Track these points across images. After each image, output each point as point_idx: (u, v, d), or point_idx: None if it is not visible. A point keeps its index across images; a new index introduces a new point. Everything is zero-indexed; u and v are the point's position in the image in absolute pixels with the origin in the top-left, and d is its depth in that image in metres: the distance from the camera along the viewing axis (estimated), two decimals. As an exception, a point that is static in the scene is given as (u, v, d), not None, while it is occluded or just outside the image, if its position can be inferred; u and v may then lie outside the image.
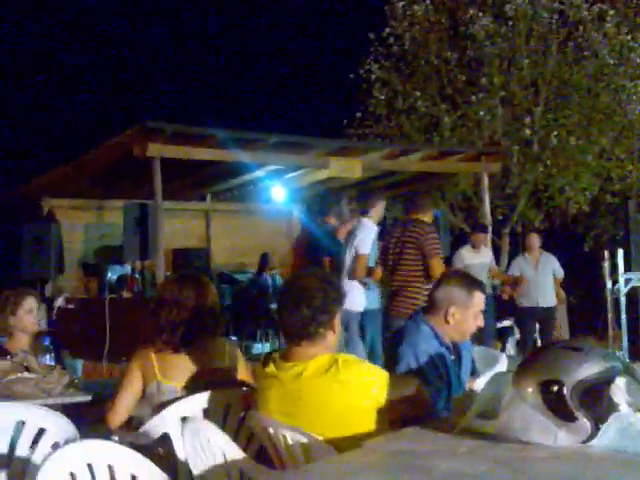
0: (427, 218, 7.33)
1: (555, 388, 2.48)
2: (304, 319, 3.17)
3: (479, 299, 3.89)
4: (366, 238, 7.68)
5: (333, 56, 21.25)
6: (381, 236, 7.88)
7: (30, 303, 5.10)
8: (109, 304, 8.89)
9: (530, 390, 2.52)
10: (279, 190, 12.51)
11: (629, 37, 15.83)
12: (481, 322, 3.93)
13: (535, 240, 10.65)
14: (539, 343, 10.77)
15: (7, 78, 21.93)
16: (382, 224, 8.47)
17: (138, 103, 21.85)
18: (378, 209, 7.99)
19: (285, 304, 3.25)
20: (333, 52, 23.00)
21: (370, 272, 7.68)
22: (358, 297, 7.66)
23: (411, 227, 7.15)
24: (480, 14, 16.10)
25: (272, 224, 14.13)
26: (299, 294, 3.22)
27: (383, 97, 17.14)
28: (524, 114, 16.20)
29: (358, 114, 17.28)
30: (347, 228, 8.12)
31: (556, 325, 12.42)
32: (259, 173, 11.48)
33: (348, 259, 7.74)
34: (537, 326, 10.63)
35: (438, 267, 6.92)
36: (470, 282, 3.93)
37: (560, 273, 10.62)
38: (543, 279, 10.39)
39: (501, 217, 16.34)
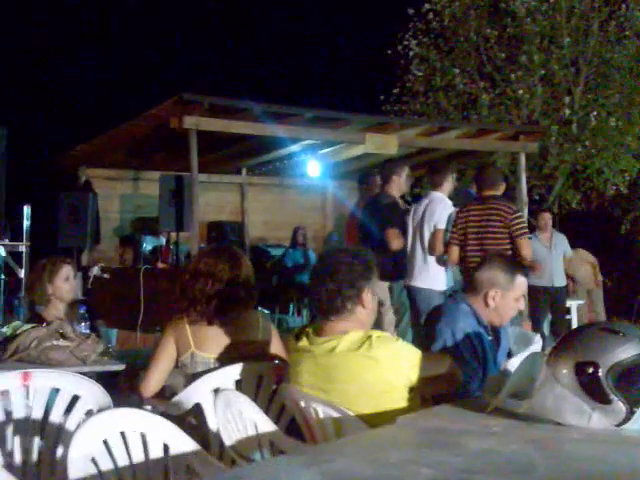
0: (500, 193, 7.19)
1: (590, 370, 2.46)
2: (330, 293, 3.19)
3: (521, 284, 3.88)
4: (444, 213, 7.44)
5: (371, 31, 21.09)
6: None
7: (67, 271, 5.15)
8: (144, 274, 8.96)
9: (565, 371, 2.51)
10: (314, 165, 12.50)
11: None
12: (522, 306, 3.92)
13: (548, 220, 10.80)
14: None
15: (45, 47, 22.02)
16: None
17: (176, 75, 21.90)
18: (449, 182, 7.70)
19: (314, 278, 3.30)
20: (372, 27, 22.87)
21: (446, 250, 7.42)
22: (440, 275, 7.46)
23: (497, 205, 6.99)
24: (521, -10, 15.91)
25: (306, 199, 14.14)
26: (326, 268, 3.26)
27: (421, 73, 17.03)
28: (563, 93, 16.02)
29: (395, 90, 17.19)
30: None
31: (592, 308, 12.41)
32: (294, 148, 11.48)
33: (426, 235, 7.47)
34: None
35: (526, 247, 6.82)
36: (513, 265, 3.93)
37: (569, 252, 10.80)
38: (556, 258, 10.52)
39: (538, 197, 16.21)
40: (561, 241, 10.79)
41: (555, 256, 10.54)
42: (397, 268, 7.54)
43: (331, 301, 3.19)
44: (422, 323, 7.00)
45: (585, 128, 15.75)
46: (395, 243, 7.61)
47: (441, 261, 7.46)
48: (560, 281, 10.56)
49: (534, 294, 10.52)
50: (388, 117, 14.28)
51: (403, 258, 7.60)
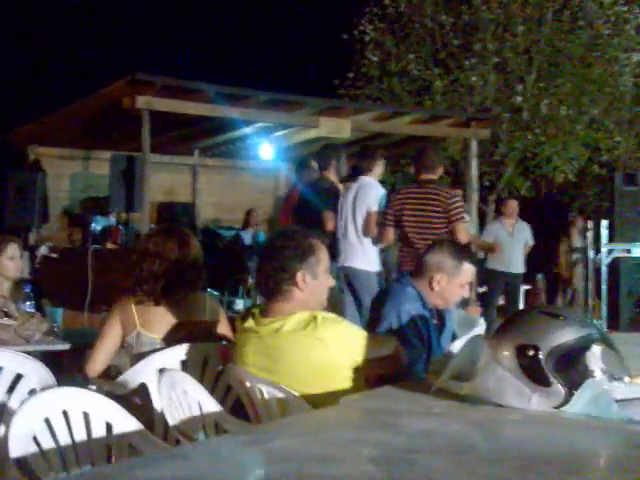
0: (437, 177, 7.21)
1: (531, 353, 2.48)
2: (265, 275, 3.24)
3: (467, 270, 3.90)
4: (376, 196, 7.46)
5: (327, 15, 21.06)
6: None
7: (12, 250, 5.09)
8: (92, 254, 8.87)
9: (506, 353, 2.53)
10: (267, 148, 12.47)
11: (625, 8, 15.76)
12: (466, 293, 3.95)
13: (514, 206, 11.03)
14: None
15: (-2, 23, 21.64)
16: None
17: (128, 54, 21.66)
18: (380, 167, 7.74)
19: (258, 261, 3.36)
20: (327, 11, 22.80)
21: (380, 233, 7.42)
22: (374, 256, 7.49)
23: (434, 189, 6.95)
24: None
25: (259, 181, 14.11)
26: (264, 251, 3.34)
27: (376, 59, 17.06)
28: (516, 81, 16.16)
29: (350, 75, 17.20)
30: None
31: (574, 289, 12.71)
32: (248, 130, 11.43)
33: (359, 218, 7.49)
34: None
35: (462, 232, 6.79)
36: (461, 252, 3.95)
37: (531, 241, 11.02)
38: (517, 245, 10.74)
39: (488, 183, 16.35)
40: (524, 230, 11.02)
41: (516, 243, 10.77)
42: (331, 250, 7.58)
43: (266, 283, 3.23)
44: (364, 304, 7.17)
45: (536, 116, 15.91)
46: (330, 225, 7.70)
47: (375, 243, 7.53)
48: (518, 268, 10.79)
49: (491, 277, 10.71)
50: (342, 101, 14.28)
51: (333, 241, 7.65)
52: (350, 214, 7.57)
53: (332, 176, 8.06)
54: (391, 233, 7.28)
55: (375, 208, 7.43)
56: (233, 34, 24.93)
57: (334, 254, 7.61)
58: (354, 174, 7.94)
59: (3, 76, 20.55)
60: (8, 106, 18.07)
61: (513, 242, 10.74)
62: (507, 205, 11.24)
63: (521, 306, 11.37)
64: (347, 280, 7.51)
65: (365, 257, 7.48)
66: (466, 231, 7.05)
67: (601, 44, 15.87)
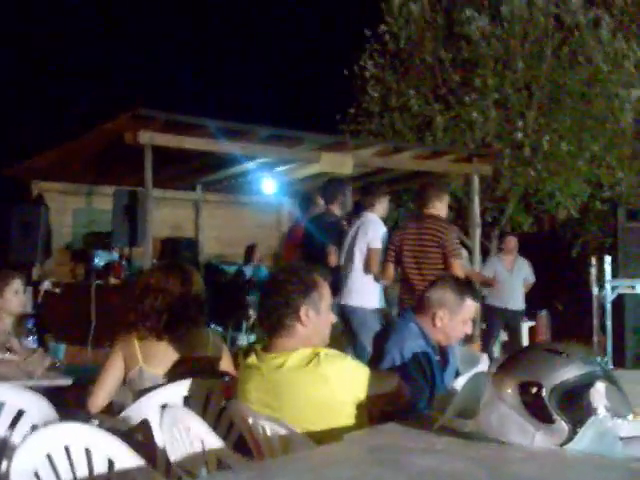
0: (442, 212, 7.14)
1: (534, 390, 2.48)
2: (268, 310, 3.25)
3: (470, 306, 3.90)
4: (377, 233, 7.42)
5: (328, 51, 21.20)
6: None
7: (16, 285, 5.10)
8: (95, 290, 8.88)
9: (509, 391, 2.53)
10: (269, 183, 12.50)
11: (624, 44, 15.85)
12: (469, 329, 3.94)
13: (513, 243, 11.05)
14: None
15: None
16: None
17: (131, 89, 21.77)
18: (383, 204, 7.71)
19: (260, 296, 3.38)
20: (328, 47, 22.98)
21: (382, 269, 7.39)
22: (373, 293, 7.42)
23: (431, 224, 6.96)
24: (476, 15, 16.09)
25: (261, 216, 14.13)
26: (267, 287, 3.35)
27: (377, 94, 17.13)
28: (517, 117, 16.20)
29: (351, 110, 17.27)
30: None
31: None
32: (250, 165, 11.46)
33: (358, 255, 7.45)
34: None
35: (457, 268, 6.74)
36: (464, 288, 3.95)
37: (532, 279, 10.98)
38: (516, 282, 10.72)
39: (490, 219, 16.35)
40: (523, 266, 10.99)
41: (515, 280, 10.76)
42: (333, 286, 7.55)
43: (269, 319, 3.24)
44: (357, 341, 7.14)
45: (537, 152, 15.93)
46: (332, 260, 7.68)
47: (378, 280, 7.49)
48: (516, 304, 10.74)
49: (489, 314, 10.68)
50: (343, 137, 14.34)
51: (338, 276, 7.62)
52: (350, 250, 7.57)
53: (337, 210, 8.05)
54: (391, 269, 7.28)
55: (377, 245, 7.38)
56: (234, 70, 25.10)
57: (336, 290, 7.59)
58: (357, 210, 7.93)
59: (3, 112, 20.64)
60: (9, 141, 18.14)
61: (512, 279, 10.74)
62: (506, 242, 11.24)
63: (525, 343, 11.34)
64: (344, 317, 7.49)
65: (362, 294, 7.42)
66: (462, 267, 7.04)
67: (601, 80, 15.93)
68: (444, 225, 6.96)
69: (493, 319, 10.65)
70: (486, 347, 10.26)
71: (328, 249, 7.71)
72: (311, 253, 7.77)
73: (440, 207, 7.15)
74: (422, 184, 7.69)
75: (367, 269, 7.40)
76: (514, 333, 10.94)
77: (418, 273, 6.95)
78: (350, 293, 7.45)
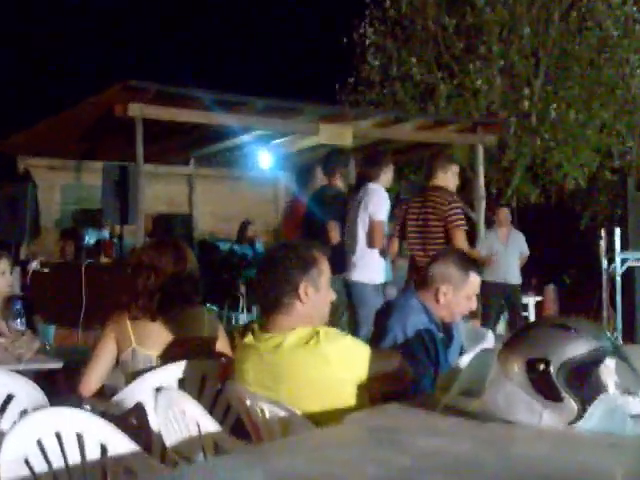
0: (448, 184, 7.08)
1: (541, 367, 2.47)
2: (265, 288, 3.24)
3: (474, 281, 3.90)
4: (381, 204, 7.29)
5: (326, 19, 21.11)
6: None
7: (3, 265, 5.09)
8: (86, 269, 8.87)
9: (515, 368, 2.52)
10: (265, 156, 12.47)
11: (634, 9, 15.78)
12: (473, 305, 3.94)
13: (506, 215, 11.03)
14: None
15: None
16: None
17: (121, 60, 21.70)
18: (388, 174, 7.56)
19: (256, 274, 3.37)
20: (327, 14, 22.86)
21: (386, 244, 7.32)
22: (375, 268, 7.33)
23: (433, 197, 6.92)
24: (480, -22, 16.02)
25: (258, 191, 14.11)
26: (264, 264, 3.33)
27: (377, 63, 17.09)
28: (523, 85, 16.17)
29: (351, 80, 17.23)
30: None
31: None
32: (245, 138, 11.44)
33: (361, 228, 7.34)
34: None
35: (460, 241, 6.69)
36: (467, 262, 3.94)
37: (526, 251, 11.02)
38: (512, 256, 10.73)
39: (496, 191, 16.35)
40: (518, 239, 11.00)
41: (510, 253, 10.76)
42: (334, 262, 7.52)
43: (266, 296, 3.23)
44: (357, 318, 7.12)
45: (545, 121, 15.91)
46: (333, 236, 7.63)
47: (382, 254, 7.44)
48: (514, 278, 10.76)
49: (486, 290, 10.64)
50: (342, 107, 14.31)
51: (341, 252, 7.57)
52: (352, 224, 7.51)
53: (339, 183, 7.98)
54: (395, 245, 7.26)
55: (380, 217, 7.27)
56: (230, 40, 24.99)
57: (338, 267, 7.55)
58: (360, 182, 7.85)
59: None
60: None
61: (508, 252, 10.76)
62: (498, 213, 11.20)
63: (532, 318, 11.36)
64: (347, 293, 7.47)
65: (364, 269, 7.37)
66: (464, 238, 6.98)
67: (611, 45, 15.88)
68: (446, 197, 6.91)
69: (490, 295, 10.64)
70: (487, 324, 10.27)
71: (329, 225, 7.66)
72: (312, 230, 7.71)
73: (445, 178, 7.10)
74: (428, 155, 7.63)
75: (370, 243, 7.34)
76: (514, 308, 10.96)
77: (421, 249, 6.94)
78: (352, 268, 7.41)
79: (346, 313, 7.60)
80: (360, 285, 7.32)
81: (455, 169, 7.30)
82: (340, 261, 7.44)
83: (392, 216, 7.40)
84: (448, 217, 6.76)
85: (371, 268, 7.34)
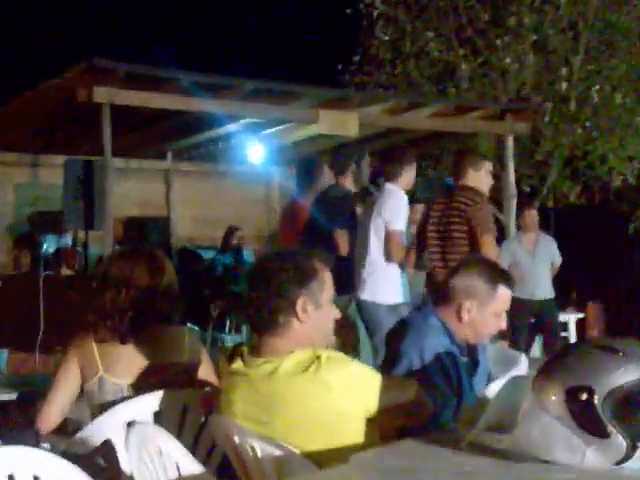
0: (479, 183, 7.14)
1: (584, 396, 2.48)
2: (256, 305, 3.23)
3: (504, 296, 3.91)
4: (398, 210, 7.32)
5: (328, -14, 21.14)
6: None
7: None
8: (44, 282, 8.86)
9: (553, 398, 2.53)
10: (256, 149, 12.49)
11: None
12: (503, 324, 3.94)
13: (533, 218, 10.85)
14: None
15: None
16: None
17: (85, 36, 21.73)
18: (409, 173, 7.56)
19: (244, 288, 3.36)
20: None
21: (405, 255, 7.34)
22: (392, 287, 7.32)
23: (459, 198, 6.96)
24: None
25: (247, 190, 14.13)
26: (255, 276, 3.32)
27: (387, 38, 17.10)
28: (560, 64, 16.18)
29: (356, 58, 17.25)
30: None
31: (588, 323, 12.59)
32: (232, 127, 11.46)
33: (374, 238, 7.36)
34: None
35: (488, 249, 6.68)
36: (496, 273, 3.94)
37: (558, 260, 10.83)
38: (541, 266, 10.59)
39: (529, 189, 16.36)
40: (548, 246, 10.86)
41: (539, 263, 10.62)
42: (342, 278, 7.50)
43: (259, 314, 3.23)
44: (382, 341, 7.07)
45: (585, 106, 15.92)
46: (342, 246, 7.60)
47: (400, 269, 7.39)
48: (544, 292, 10.59)
49: (514, 308, 10.58)
50: (346, 91, 14.32)
51: (348, 266, 7.53)
52: (364, 232, 7.46)
53: (348, 183, 7.96)
54: (412, 255, 7.24)
55: (398, 225, 7.28)
56: (213, 12, 25.01)
57: (346, 283, 7.53)
58: (374, 181, 7.82)
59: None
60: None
61: (536, 262, 10.62)
62: (524, 217, 11.04)
63: (573, 339, 11.33)
64: (360, 315, 7.46)
65: (378, 286, 7.35)
66: (495, 246, 6.95)
67: (663, 16, 15.91)
68: (473, 197, 6.91)
69: (517, 314, 10.56)
70: (516, 346, 10.24)
71: (336, 233, 7.63)
72: (316, 239, 7.67)
73: (477, 177, 7.10)
74: (455, 151, 7.63)
75: (386, 256, 7.30)
76: (548, 327, 10.86)
77: (441, 259, 6.94)
78: (363, 286, 7.39)
79: (353, 334, 7.60)
80: (372, 306, 7.28)
81: (488, 167, 7.31)
82: (349, 277, 7.44)
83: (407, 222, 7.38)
84: (475, 220, 6.76)
85: (385, 285, 7.30)
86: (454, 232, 6.89)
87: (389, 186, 7.44)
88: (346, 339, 7.59)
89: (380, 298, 7.27)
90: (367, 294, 7.33)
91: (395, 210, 7.31)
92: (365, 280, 7.36)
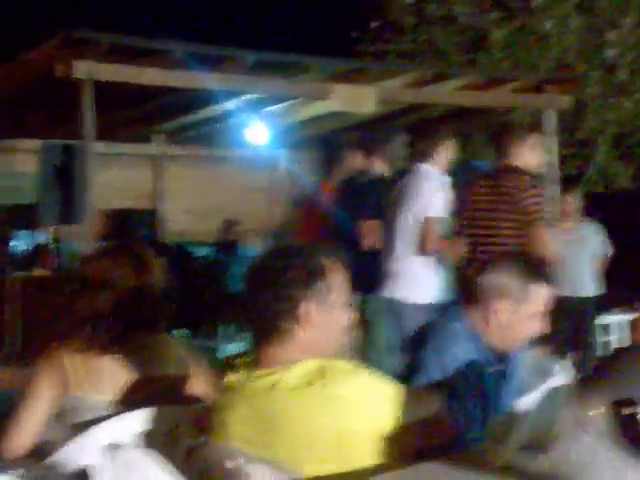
0: (527, 160, 7.08)
1: (632, 410, 2.47)
2: (257, 309, 3.22)
3: (540, 295, 3.89)
4: (434, 193, 7.29)
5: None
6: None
7: None
8: (15, 285, 8.92)
9: (597, 412, 2.52)
10: (259, 129, 12.51)
11: None
12: (541, 327, 3.93)
13: (572, 204, 10.69)
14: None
15: None
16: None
17: (64, 5, 21.81)
18: (446, 151, 7.54)
19: (245, 289, 3.33)
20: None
21: (444, 246, 7.30)
22: (428, 283, 7.30)
23: (507, 179, 6.96)
24: None
25: (248, 177, 14.17)
26: (254, 276, 3.30)
27: (410, 0, 17.11)
28: (607, 27, 16.17)
29: (374, 24, 17.26)
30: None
31: None
32: (231, 105, 11.48)
33: (407, 227, 7.33)
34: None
35: (541, 238, 6.70)
36: (531, 269, 3.93)
37: (606, 250, 10.69)
38: (583, 258, 10.43)
39: (573, 172, 16.34)
40: (591, 235, 10.71)
41: (582, 254, 10.46)
42: (372, 275, 7.51)
43: (258, 320, 3.22)
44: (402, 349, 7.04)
45: (637, 75, 15.91)
46: (370, 240, 7.59)
47: (438, 262, 7.37)
48: (588, 289, 10.43)
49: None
50: (363, 62, 14.33)
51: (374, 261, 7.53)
52: (394, 221, 7.44)
53: (382, 165, 7.95)
54: (461, 245, 7.18)
55: (435, 211, 7.25)
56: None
57: (374, 281, 7.52)
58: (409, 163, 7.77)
59: None
60: None
61: (576, 253, 10.44)
62: (565, 202, 10.93)
63: (616, 344, 11.26)
64: (388, 316, 7.43)
65: (413, 284, 7.32)
66: (549, 235, 6.90)
67: None
68: (523, 180, 6.87)
69: (557, 313, 10.43)
70: (558, 353, 10.18)
71: (364, 226, 7.61)
72: (340, 232, 7.68)
73: (521, 154, 7.06)
74: (496, 127, 7.61)
75: (420, 248, 7.28)
76: (587, 331, 10.75)
77: (484, 250, 6.91)
78: (396, 283, 7.38)
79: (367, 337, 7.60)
80: (409, 307, 7.24)
81: (535, 140, 7.25)
82: (379, 274, 7.43)
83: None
84: (524, 207, 6.73)
85: (421, 283, 7.28)
86: (504, 220, 6.86)
87: (423, 167, 7.41)
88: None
89: (414, 297, 7.23)
90: (400, 292, 7.31)
91: (430, 194, 7.28)
92: (398, 277, 7.34)
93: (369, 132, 8.16)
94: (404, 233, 7.32)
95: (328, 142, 9.33)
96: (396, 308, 7.32)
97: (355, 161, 8.25)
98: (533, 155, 7.14)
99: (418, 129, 8.15)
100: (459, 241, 7.21)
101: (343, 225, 7.73)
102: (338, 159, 8.55)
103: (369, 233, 7.59)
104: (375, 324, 7.64)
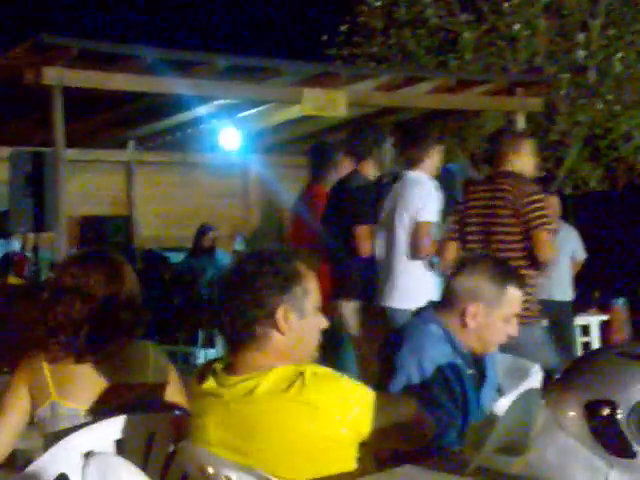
0: (524, 169, 7.05)
1: (606, 411, 2.48)
2: (233, 314, 3.22)
3: (513, 298, 3.91)
4: (428, 199, 7.24)
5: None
6: None
7: None
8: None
9: (571, 414, 2.54)
10: (231, 134, 12.50)
11: None
12: (514, 330, 3.94)
13: (554, 205, 10.70)
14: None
15: None
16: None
17: (34, 11, 21.72)
18: (434, 157, 7.49)
19: (220, 295, 3.36)
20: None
21: (438, 250, 7.24)
22: (423, 290, 7.04)
23: (502, 185, 6.90)
24: None
25: (221, 182, 14.13)
26: (230, 282, 3.30)
27: (379, 3, 17.11)
28: (576, 29, 16.21)
29: (343, 27, 17.26)
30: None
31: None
32: (203, 110, 11.47)
33: (400, 234, 7.27)
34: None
35: (542, 244, 6.64)
36: (504, 272, 3.95)
37: (581, 255, 10.71)
38: (560, 262, 10.42)
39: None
40: (569, 238, 10.74)
41: (560, 258, 10.47)
42: (365, 283, 7.53)
43: (234, 325, 3.21)
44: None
45: (606, 77, 15.95)
46: (364, 246, 7.57)
47: (431, 268, 7.37)
48: (563, 293, 10.47)
49: None
50: (333, 65, 14.33)
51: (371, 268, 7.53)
52: (388, 227, 7.44)
53: (372, 170, 7.94)
54: (452, 250, 7.17)
55: (428, 216, 7.21)
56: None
57: (370, 288, 7.52)
58: (393, 171, 7.77)
59: None
60: None
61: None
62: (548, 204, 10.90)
63: (596, 344, 11.30)
64: (383, 324, 7.41)
65: (407, 291, 7.29)
66: (552, 243, 6.91)
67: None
68: (524, 185, 6.88)
69: None
70: None
71: (358, 230, 7.60)
72: (332, 238, 7.67)
73: (518, 162, 7.08)
74: (489, 137, 7.61)
75: (414, 253, 7.28)
76: (564, 335, 10.74)
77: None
78: (390, 290, 7.36)
79: (347, 347, 7.58)
80: (404, 314, 7.21)
81: (530, 147, 7.27)
82: (373, 280, 7.43)
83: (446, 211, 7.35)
84: (526, 213, 6.73)
85: (416, 289, 7.25)
86: (503, 226, 6.86)
87: (413, 175, 7.40)
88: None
89: (406, 304, 7.19)
90: (397, 300, 7.29)
91: (423, 199, 7.29)
92: (393, 285, 7.34)
93: (357, 135, 8.08)
94: (397, 238, 7.33)
95: (319, 147, 9.29)
96: (389, 314, 7.31)
97: (345, 166, 8.23)
98: (529, 161, 7.17)
99: (404, 135, 8.07)
100: (452, 245, 7.22)
101: (336, 231, 7.71)
102: (331, 164, 8.52)
103: (364, 238, 7.57)
104: (369, 330, 7.62)
